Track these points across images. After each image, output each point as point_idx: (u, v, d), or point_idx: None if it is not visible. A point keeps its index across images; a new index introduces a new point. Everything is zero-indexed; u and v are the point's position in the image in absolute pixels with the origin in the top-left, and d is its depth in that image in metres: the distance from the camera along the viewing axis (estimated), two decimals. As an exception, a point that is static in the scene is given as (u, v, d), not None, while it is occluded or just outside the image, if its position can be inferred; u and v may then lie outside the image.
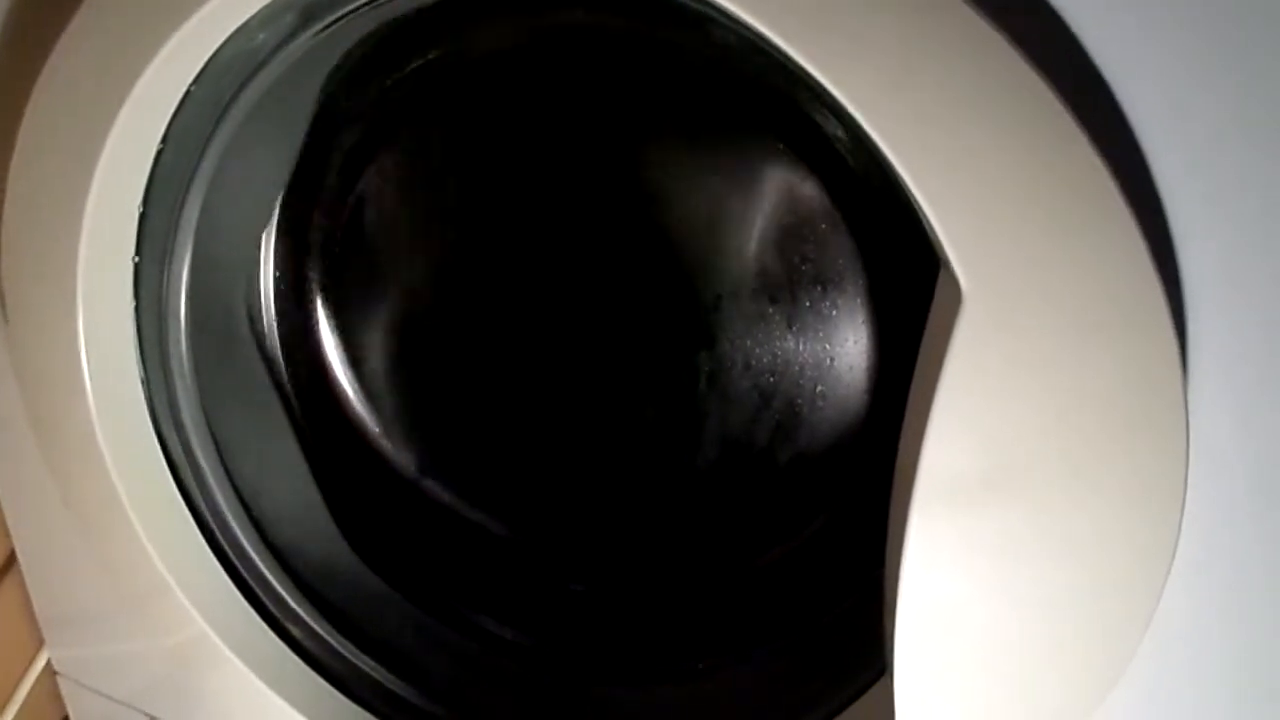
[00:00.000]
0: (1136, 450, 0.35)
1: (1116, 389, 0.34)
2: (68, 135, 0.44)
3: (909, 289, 0.44)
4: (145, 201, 0.48)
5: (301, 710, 0.53)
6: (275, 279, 0.59)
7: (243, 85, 0.47)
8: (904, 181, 0.33)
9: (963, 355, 0.35)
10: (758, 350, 0.53)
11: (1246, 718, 0.40)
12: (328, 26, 0.46)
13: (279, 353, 0.60)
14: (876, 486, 0.47)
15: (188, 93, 0.45)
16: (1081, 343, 0.34)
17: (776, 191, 0.51)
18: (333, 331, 0.61)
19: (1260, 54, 0.32)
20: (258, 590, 0.56)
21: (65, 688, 0.66)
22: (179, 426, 0.53)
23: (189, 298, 0.53)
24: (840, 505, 0.55)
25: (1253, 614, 0.38)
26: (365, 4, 0.45)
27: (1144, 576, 0.36)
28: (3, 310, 0.49)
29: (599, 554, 0.61)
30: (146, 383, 0.51)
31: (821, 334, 0.52)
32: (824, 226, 0.50)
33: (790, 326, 0.52)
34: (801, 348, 0.53)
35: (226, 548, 0.55)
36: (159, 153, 0.47)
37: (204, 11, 0.40)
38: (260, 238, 0.58)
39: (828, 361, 0.53)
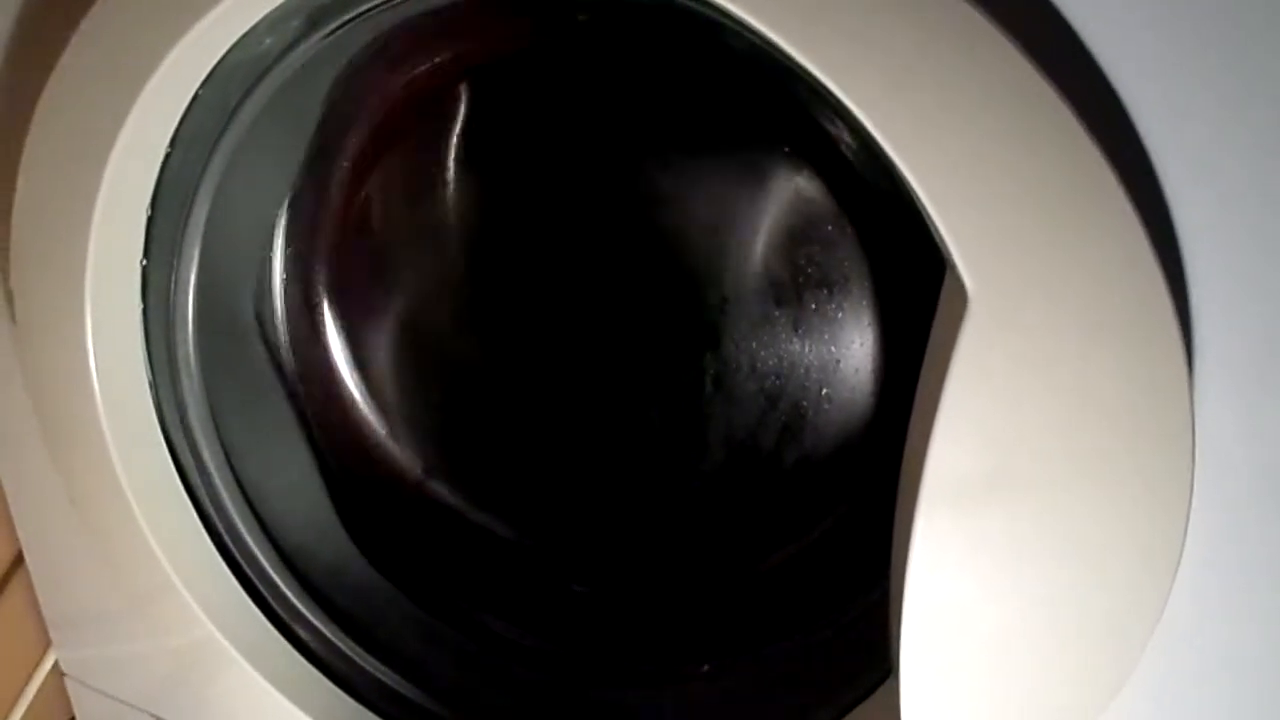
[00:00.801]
0: (1143, 452, 0.35)
1: (1122, 391, 0.34)
2: (76, 139, 0.44)
3: (914, 291, 0.44)
4: (153, 205, 0.48)
5: (307, 711, 0.53)
6: (283, 282, 0.59)
7: (250, 89, 0.48)
8: (909, 184, 0.33)
9: (968, 357, 0.35)
10: (763, 353, 0.53)
11: (1254, 719, 0.40)
12: (334, 31, 0.46)
13: (286, 355, 0.61)
14: (882, 489, 0.47)
15: (195, 96, 0.45)
16: (1087, 344, 0.34)
17: (782, 194, 0.51)
18: (339, 334, 0.61)
19: (1267, 54, 0.32)
20: (264, 592, 0.56)
21: (72, 689, 0.66)
22: (186, 429, 0.53)
23: (197, 301, 0.53)
24: (846, 507, 0.55)
25: (1260, 615, 0.38)
26: (372, 8, 0.45)
27: (1151, 578, 0.36)
28: (11, 312, 0.50)
29: (604, 556, 0.61)
30: (154, 385, 0.51)
31: (827, 336, 0.52)
32: (829, 229, 0.50)
33: (796, 329, 0.52)
34: (807, 350, 0.53)
35: (233, 549, 0.55)
36: (167, 156, 0.47)
37: (211, 16, 0.40)
38: (268, 241, 0.59)
39: (833, 364, 0.53)
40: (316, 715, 0.53)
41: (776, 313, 0.52)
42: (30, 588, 0.64)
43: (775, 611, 0.57)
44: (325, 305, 0.61)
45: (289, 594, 0.56)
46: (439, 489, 0.62)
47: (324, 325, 0.61)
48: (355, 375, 0.62)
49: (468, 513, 0.62)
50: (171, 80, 0.43)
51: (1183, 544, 0.36)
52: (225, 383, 0.55)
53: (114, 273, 0.48)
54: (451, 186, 0.57)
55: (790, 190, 0.50)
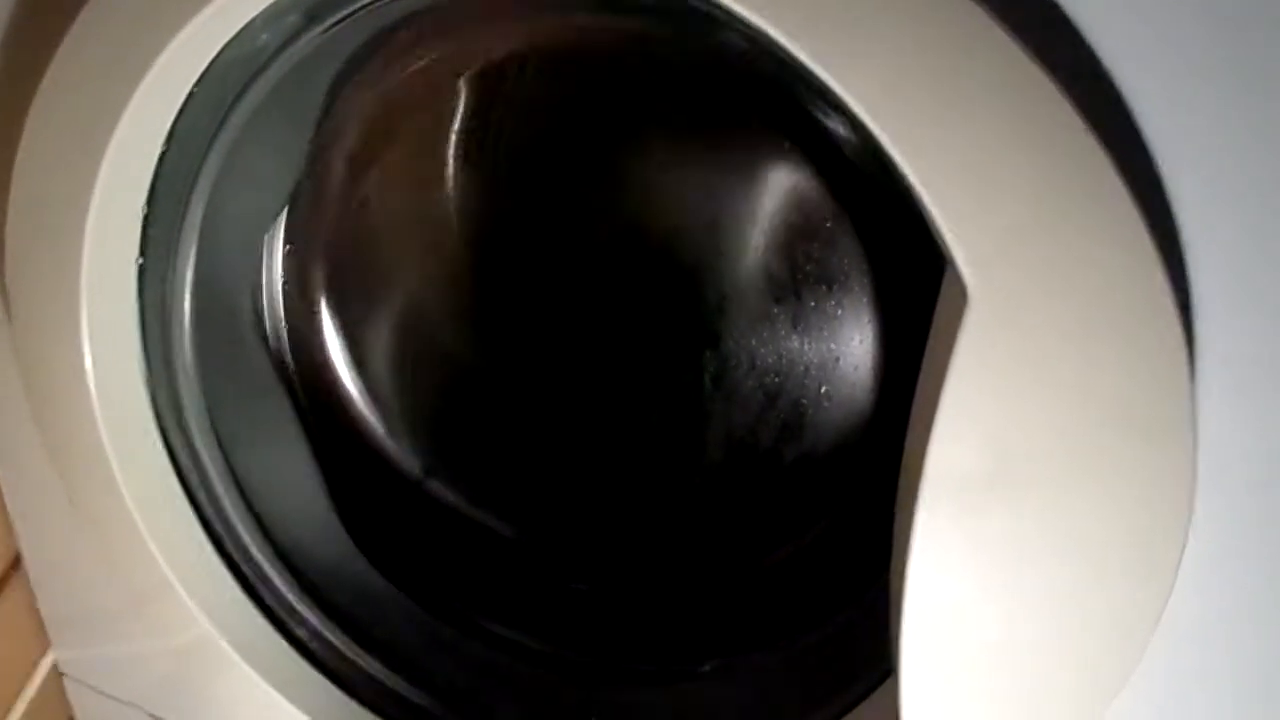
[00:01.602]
0: (1144, 451, 0.34)
1: (1124, 389, 0.34)
2: (72, 135, 0.44)
3: (915, 289, 0.44)
4: (149, 202, 0.48)
5: (305, 710, 0.53)
6: (280, 280, 0.59)
7: (246, 86, 0.47)
8: (909, 181, 0.33)
9: (968, 355, 0.34)
10: (763, 350, 0.53)
11: (1255, 720, 0.40)
12: (331, 27, 0.46)
13: (284, 353, 0.60)
14: (882, 487, 0.47)
15: (191, 93, 0.45)
16: (1088, 342, 0.34)
17: (782, 191, 0.51)
18: (337, 332, 0.61)
19: (1271, 49, 0.32)
20: (262, 591, 0.56)
21: (71, 689, 0.66)
22: (183, 427, 0.53)
23: (193, 299, 0.53)
24: (846, 506, 0.55)
25: (1262, 616, 0.38)
26: (369, 5, 0.45)
27: (1152, 578, 0.36)
28: (7, 311, 0.50)
29: (604, 554, 0.61)
30: (151, 383, 0.51)
31: (827, 334, 0.52)
32: (829, 226, 0.50)
33: (795, 326, 0.52)
34: (806, 348, 0.53)
35: (231, 548, 0.55)
36: (163, 153, 0.47)
37: (207, 12, 0.40)
38: (265, 239, 0.58)
39: (833, 361, 0.52)
40: (314, 714, 0.53)
41: (776, 310, 0.52)
42: (29, 588, 0.64)
43: (775, 610, 0.56)
44: (323, 304, 0.61)
45: (287, 593, 0.56)
46: (438, 487, 0.62)
47: (322, 324, 0.61)
48: (353, 374, 0.62)
49: (467, 511, 0.62)
50: (167, 76, 0.42)
51: (1184, 543, 0.35)
52: (222, 381, 0.55)
53: (110, 271, 0.48)
54: (450, 184, 0.57)
55: (789, 187, 0.50)
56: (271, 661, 0.54)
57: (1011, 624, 0.37)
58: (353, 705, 0.55)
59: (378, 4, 0.46)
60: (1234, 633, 0.39)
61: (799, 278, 0.51)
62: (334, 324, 0.61)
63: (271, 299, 0.59)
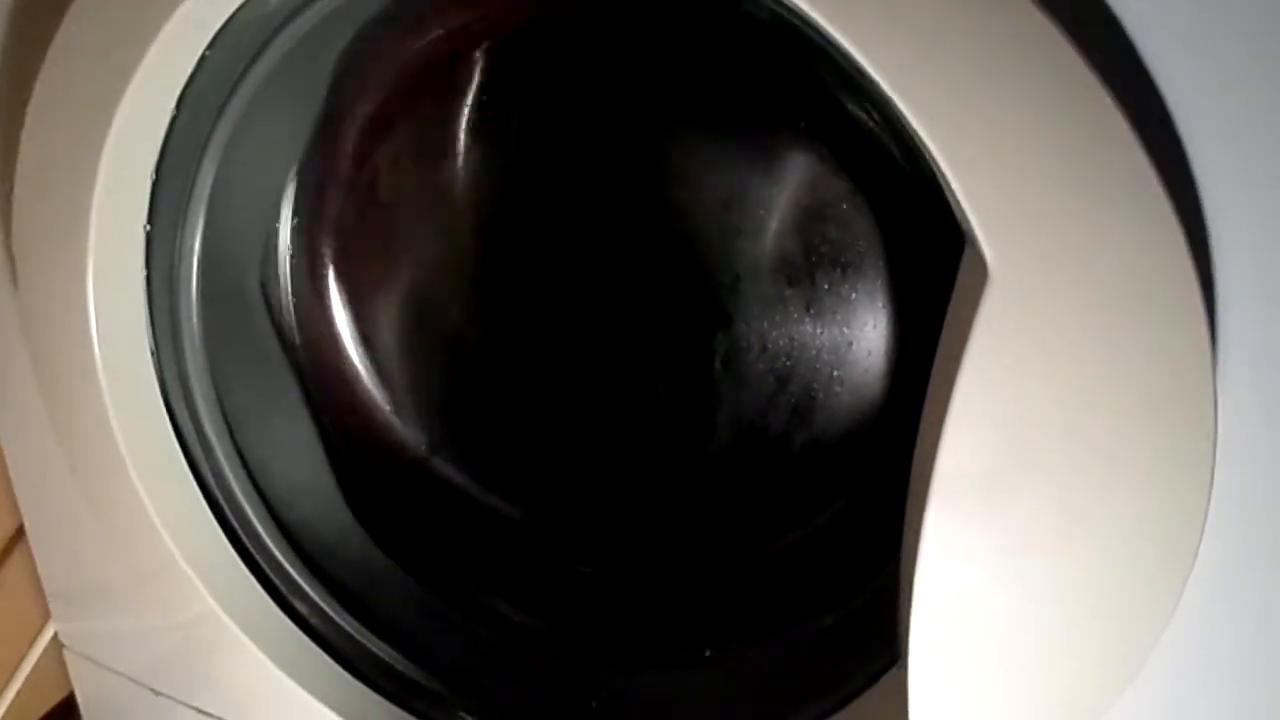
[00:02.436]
0: (1163, 440, 0.34)
1: (1144, 375, 0.33)
2: (80, 100, 0.44)
3: (931, 273, 0.43)
4: (158, 169, 0.47)
5: (306, 688, 0.53)
6: (288, 251, 0.59)
7: (258, 52, 0.47)
8: (930, 154, 0.32)
9: (987, 336, 0.34)
10: (775, 333, 0.52)
11: (1266, 717, 0.39)
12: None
13: (291, 327, 0.60)
14: (893, 473, 0.46)
15: (202, 58, 0.45)
16: (1109, 326, 0.33)
17: (797, 171, 0.50)
18: (345, 307, 0.61)
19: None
20: (265, 567, 0.55)
21: (71, 661, 0.66)
22: (189, 399, 0.53)
23: (200, 268, 0.52)
24: (856, 492, 0.54)
25: (1277, 613, 0.37)
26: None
27: (1165, 571, 0.35)
28: (13, 278, 0.49)
29: (610, 537, 0.60)
30: (157, 354, 0.51)
31: (840, 317, 0.51)
32: (845, 207, 0.49)
33: (808, 309, 0.52)
34: (819, 331, 0.52)
35: (235, 524, 0.55)
36: (173, 119, 0.46)
37: (219, -25, 0.40)
38: (274, 210, 0.58)
39: (845, 345, 0.52)
40: (316, 692, 0.53)
41: (789, 292, 0.52)
42: (31, 560, 0.64)
43: (782, 596, 0.56)
44: (331, 277, 0.60)
45: (290, 569, 0.56)
46: (443, 467, 0.62)
47: (329, 298, 0.61)
48: (360, 350, 0.61)
49: (472, 491, 0.62)
50: (178, 40, 0.42)
51: (1200, 538, 0.35)
52: (229, 353, 0.55)
53: (117, 238, 0.47)
54: (462, 158, 0.56)
55: (805, 167, 0.50)
56: (273, 638, 0.54)
57: (1022, 614, 0.37)
58: (353, 682, 0.55)
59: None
60: (1248, 630, 0.38)
61: (813, 260, 0.51)
62: (341, 299, 0.61)
63: (279, 271, 0.59)
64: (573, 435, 0.60)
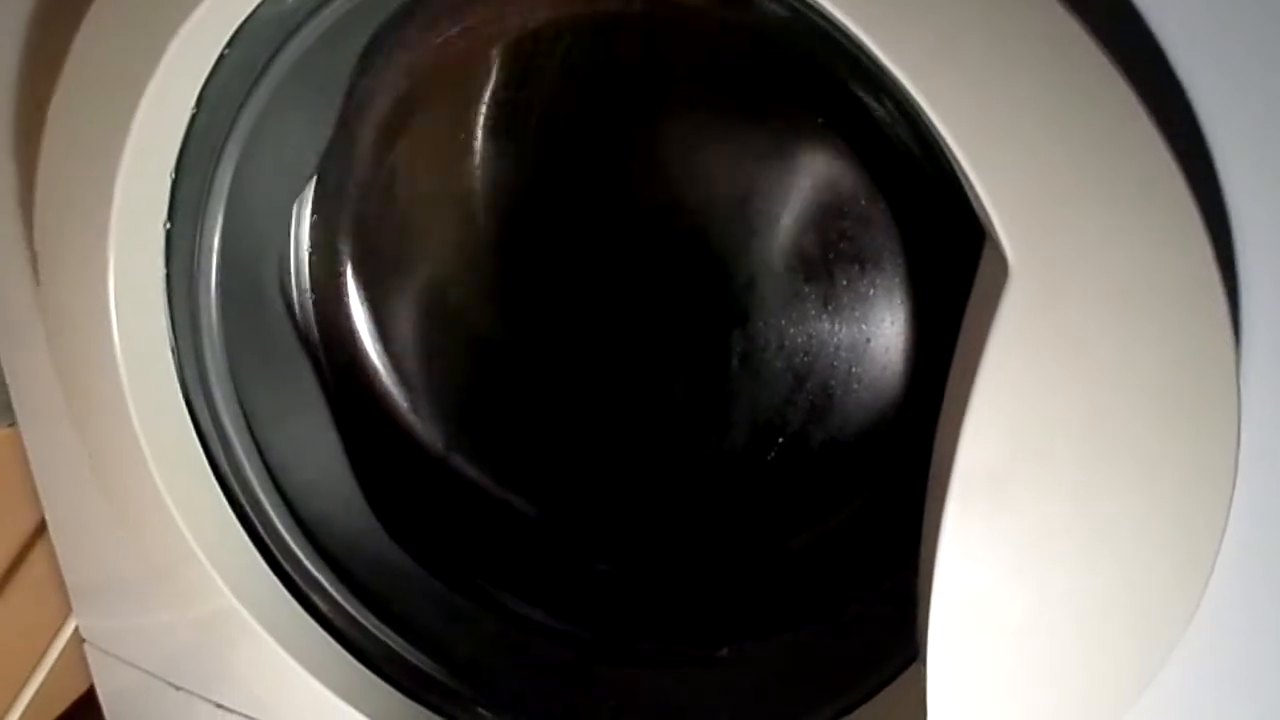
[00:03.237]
0: (1185, 440, 0.34)
1: (1166, 375, 0.33)
2: (101, 100, 0.44)
3: (950, 270, 0.43)
4: (178, 167, 0.48)
5: (324, 682, 0.53)
6: (307, 249, 0.59)
7: (278, 50, 0.47)
8: (949, 148, 0.32)
9: (1007, 333, 0.34)
10: (792, 330, 0.52)
11: (1287, 722, 0.39)
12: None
13: (310, 324, 0.60)
14: (910, 471, 0.46)
15: (222, 56, 0.45)
16: (1131, 323, 0.33)
17: (815, 167, 0.50)
18: (363, 304, 0.61)
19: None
20: (284, 563, 0.56)
21: (92, 656, 0.67)
22: (208, 396, 0.53)
23: (220, 265, 0.53)
24: (873, 490, 0.54)
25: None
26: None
27: (1187, 573, 0.35)
28: (35, 275, 0.50)
29: (627, 535, 0.60)
30: (176, 351, 0.51)
31: (858, 314, 0.51)
32: (863, 204, 0.49)
33: (826, 306, 0.51)
34: (837, 328, 0.52)
35: (254, 519, 0.55)
36: (192, 118, 0.46)
37: (238, -27, 0.40)
38: (293, 206, 0.58)
39: (863, 343, 0.52)
40: (333, 686, 0.53)
41: (806, 289, 0.51)
42: (53, 555, 0.64)
43: (799, 594, 0.56)
44: (350, 275, 0.60)
45: (308, 564, 0.56)
46: (461, 463, 0.62)
47: (348, 295, 0.61)
48: (378, 347, 0.62)
49: (489, 488, 0.62)
50: (197, 38, 0.42)
51: (1222, 539, 0.34)
52: (248, 350, 0.55)
53: (138, 235, 0.47)
54: (480, 157, 0.56)
55: (823, 163, 0.49)
56: (292, 633, 0.54)
57: (1041, 614, 0.37)
58: (371, 677, 0.55)
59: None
60: (1269, 634, 0.38)
61: (831, 257, 0.50)
62: (359, 296, 0.61)
63: (298, 269, 0.59)
64: (590, 433, 0.60)
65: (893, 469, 0.53)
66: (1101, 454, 0.34)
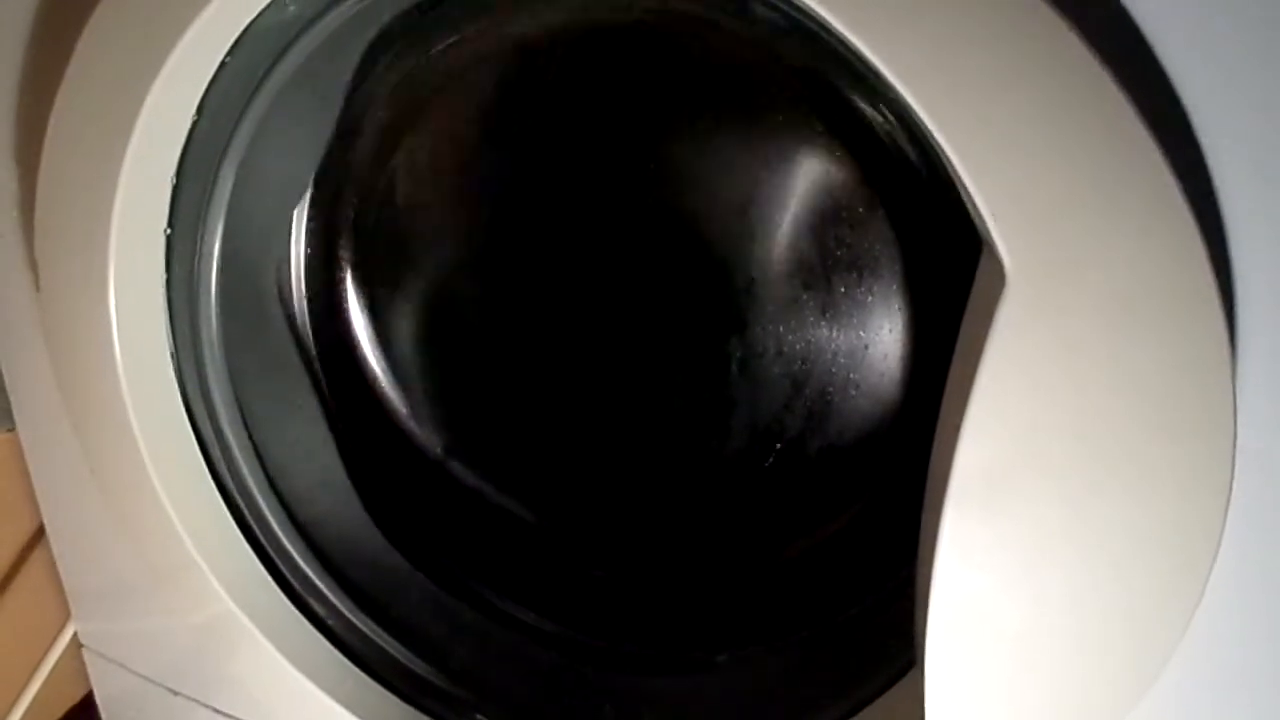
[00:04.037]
0: (1181, 446, 0.34)
1: (1163, 381, 0.33)
2: (102, 105, 0.44)
3: (948, 277, 0.43)
4: (178, 173, 0.48)
5: (322, 687, 0.53)
6: (306, 255, 0.59)
7: (278, 58, 0.47)
8: (947, 157, 0.32)
9: (1004, 341, 0.34)
10: (790, 337, 0.52)
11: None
12: (362, -1, 0.46)
13: (309, 329, 0.60)
14: (908, 478, 0.46)
15: (223, 64, 0.45)
16: (1128, 330, 0.33)
17: (813, 175, 0.50)
18: (362, 310, 0.61)
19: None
20: (283, 568, 0.56)
21: (90, 661, 0.67)
22: (208, 401, 0.53)
23: (220, 271, 0.53)
24: (871, 497, 0.54)
25: (1298, 619, 0.37)
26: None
27: (1183, 578, 0.35)
28: (35, 281, 0.50)
29: (624, 541, 0.60)
30: (176, 357, 0.51)
31: (856, 321, 0.51)
32: (861, 211, 0.49)
33: (824, 313, 0.52)
34: (835, 335, 0.52)
35: (253, 524, 0.55)
36: (193, 125, 0.47)
37: (239, -19, 0.40)
38: (293, 213, 0.58)
39: (861, 349, 0.52)
40: (332, 691, 0.53)
41: (804, 296, 0.51)
42: (52, 559, 0.64)
43: (796, 601, 0.56)
44: (349, 281, 0.61)
45: (307, 570, 0.56)
46: (459, 469, 0.62)
47: (347, 301, 0.61)
48: (377, 352, 0.62)
49: (487, 494, 0.62)
50: (198, 46, 0.42)
51: (1219, 544, 0.35)
52: (247, 356, 0.55)
53: (138, 241, 0.48)
54: (479, 163, 0.56)
55: (821, 171, 0.50)
56: (291, 638, 0.54)
57: (1039, 619, 0.37)
58: (369, 682, 0.55)
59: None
60: (1267, 638, 0.38)
61: (829, 263, 0.51)
62: (359, 301, 0.61)
63: (297, 275, 0.59)
64: (588, 439, 0.60)
65: (890, 475, 0.53)
66: (1098, 460, 0.34)
